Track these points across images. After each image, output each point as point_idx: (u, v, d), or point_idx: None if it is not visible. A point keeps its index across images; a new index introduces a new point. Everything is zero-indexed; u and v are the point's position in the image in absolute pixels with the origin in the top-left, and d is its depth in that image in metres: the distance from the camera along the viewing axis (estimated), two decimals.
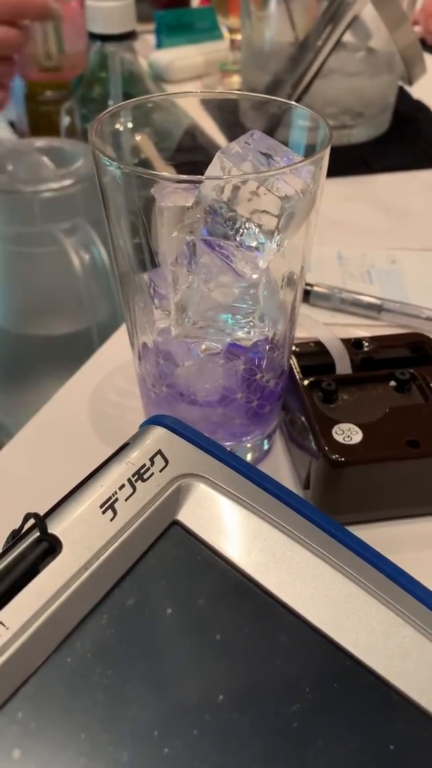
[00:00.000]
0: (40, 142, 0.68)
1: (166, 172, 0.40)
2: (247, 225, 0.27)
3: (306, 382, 0.35)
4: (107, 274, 0.65)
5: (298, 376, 0.36)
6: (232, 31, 0.83)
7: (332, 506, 0.33)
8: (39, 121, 0.98)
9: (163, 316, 0.32)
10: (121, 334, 0.47)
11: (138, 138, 0.66)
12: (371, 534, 0.33)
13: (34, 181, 0.62)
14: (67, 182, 0.62)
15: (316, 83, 0.65)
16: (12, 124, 1.04)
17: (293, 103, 0.32)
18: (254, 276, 0.28)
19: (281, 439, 0.38)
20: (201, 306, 0.29)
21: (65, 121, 0.81)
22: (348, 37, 0.67)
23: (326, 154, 0.28)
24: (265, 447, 0.37)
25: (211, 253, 0.29)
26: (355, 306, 0.47)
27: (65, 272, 0.63)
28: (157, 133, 0.77)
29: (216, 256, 0.29)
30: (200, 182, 0.27)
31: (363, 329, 0.46)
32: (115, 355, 0.45)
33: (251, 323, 0.30)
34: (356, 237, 0.56)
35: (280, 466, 0.37)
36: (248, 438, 0.35)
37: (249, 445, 0.36)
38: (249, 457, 0.36)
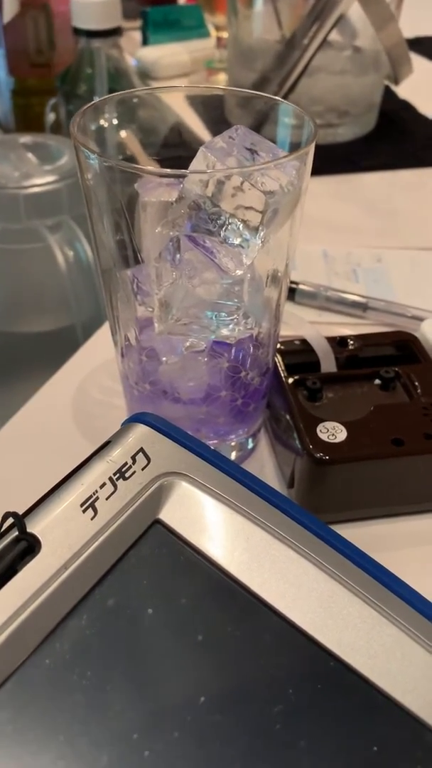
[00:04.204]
0: (25, 138, 0.67)
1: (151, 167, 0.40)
2: (231, 221, 0.27)
3: (291, 381, 0.35)
4: (92, 271, 0.64)
5: (282, 374, 0.35)
6: (218, 28, 0.82)
7: (316, 504, 0.33)
8: (27, 117, 0.97)
9: (146, 314, 0.32)
10: (105, 332, 0.46)
11: (123, 134, 0.66)
12: (356, 532, 0.33)
13: (18, 177, 0.61)
14: (52, 178, 0.61)
15: (303, 81, 0.65)
16: None
17: (279, 99, 0.31)
18: (238, 272, 0.28)
19: (266, 437, 0.38)
20: (185, 302, 0.29)
21: (50, 117, 0.81)
22: (334, 36, 0.67)
23: (311, 150, 0.28)
24: (250, 445, 0.37)
25: (195, 249, 0.28)
26: (340, 304, 0.47)
27: (50, 269, 0.62)
28: (142, 129, 0.77)
29: (200, 251, 0.28)
30: (184, 176, 0.27)
31: (348, 327, 0.46)
32: (99, 352, 0.44)
33: (235, 320, 0.30)
34: (342, 235, 0.56)
35: (265, 465, 0.37)
36: (232, 436, 0.35)
37: (233, 444, 0.35)
38: (233, 456, 0.36)
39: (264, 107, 0.32)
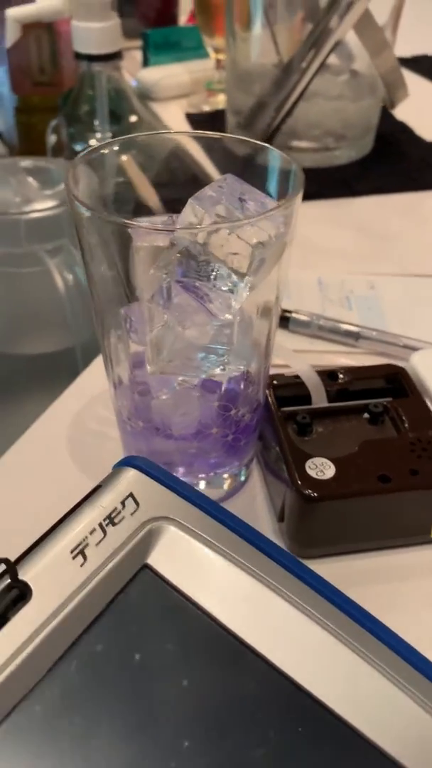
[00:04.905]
0: (26, 162, 0.68)
1: (150, 194, 0.41)
2: (220, 268, 0.28)
3: (281, 415, 0.35)
4: None
5: (273, 408, 0.36)
6: (217, 51, 0.83)
7: (306, 539, 0.33)
8: (30, 134, 0.98)
9: (139, 350, 0.33)
10: (102, 360, 0.47)
11: (123, 159, 0.67)
12: (344, 566, 0.34)
13: (19, 202, 0.62)
14: (52, 203, 0.62)
15: (300, 106, 0.66)
16: (0, 134, 1.04)
17: (266, 145, 0.32)
18: (227, 317, 0.29)
19: (258, 467, 0.39)
20: (175, 345, 0.29)
21: (51, 139, 0.82)
22: (332, 59, 0.68)
23: (298, 199, 0.29)
24: (242, 477, 0.37)
25: (185, 294, 0.29)
26: (333, 333, 0.48)
27: (49, 293, 0.63)
28: (141, 151, 0.78)
29: (190, 296, 0.29)
30: (172, 232, 0.28)
31: (341, 356, 0.47)
32: (96, 381, 0.45)
33: (225, 361, 0.31)
34: (337, 261, 0.57)
35: (257, 496, 0.37)
36: (225, 469, 0.36)
37: (226, 476, 0.36)
38: (226, 487, 0.37)
39: (252, 152, 0.33)
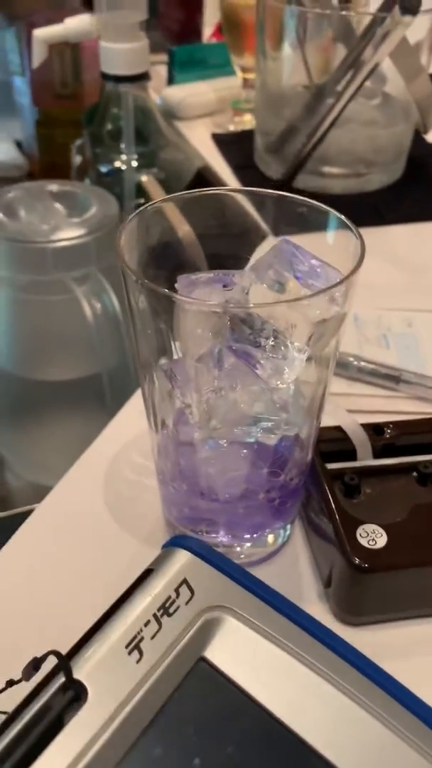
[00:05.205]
0: (53, 186, 0.68)
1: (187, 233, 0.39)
2: (276, 337, 0.27)
3: (328, 474, 0.34)
4: (118, 322, 0.64)
5: (319, 466, 0.35)
6: (244, 70, 0.82)
7: (354, 608, 0.32)
8: (50, 147, 0.98)
9: (182, 406, 0.32)
10: (134, 402, 0.46)
11: (144, 178, 0.66)
12: (395, 633, 0.33)
13: (47, 230, 0.61)
14: (80, 231, 0.61)
15: (332, 132, 0.65)
16: (19, 144, 1.04)
17: (329, 210, 0.30)
18: (281, 385, 0.28)
19: (300, 522, 0.38)
20: (228, 416, 0.28)
21: (77, 159, 0.81)
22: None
23: (359, 271, 0.27)
24: (285, 535, 0.36)
25: (238, 360, 0.28)
26: (372, 375, 0.46)
27: (77, 320, 0.62)
28: (166, 171, 0.77)
29: (243, 363, 0.28)
30: (224, 312, 0.27)
31: (380, 400, 0.46)
32: (129, 425, 0.44)
33: (278, 428, 0.30)
34: (371, 293, 0.55)
35: (299, 556, 0.36)
36: (268, 530, 0.35)
37: (270, 536, 0.35)
38: (268, 546, 0.35)
39: (304, 210, 0.32)
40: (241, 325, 0.28)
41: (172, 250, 0.34)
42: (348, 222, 0.30)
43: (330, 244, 0.31)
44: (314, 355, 0.27)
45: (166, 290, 0.26)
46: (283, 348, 0.27)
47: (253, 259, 0.30)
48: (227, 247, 0.34)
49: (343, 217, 0.30)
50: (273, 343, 0.27)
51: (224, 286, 0.30)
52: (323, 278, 0.27)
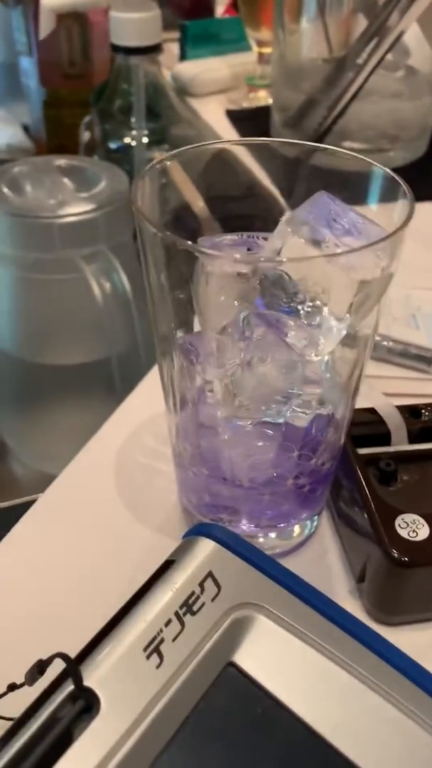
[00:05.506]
0: (60, 161, 0.64)
1: (200, 202, 0.36)
2: (312, 302, 0.24)
3: (362, 459, 0.31)
4: (129, 303, 0.61)
5: (351, 450, 0.32)
6: (261, 44, 0.79)
7: (391, 606, 0.29)
8: (58, 129, 0.95)
9: (203, 384, 0.29)
10: (145, 384, 0.43)
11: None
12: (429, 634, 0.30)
13: (53, 205, 0.58)
14: (89, 207, 0.58)
15: (354, 105, 0.61)
16: (26, 128, 1.01)
17: (371, 162, 0.28)
18: (316, 358, 0.25)
19: (327, 512, 0.35)
20: (256, 392, 0.25)
21: (85, 136, 0.78)
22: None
23: (407, 228, 0.24)
24: (312, 527, 0.33)
25: (268, 329, 0.25)
26: (402, 356, 0.43)
27: (85, 300, 0.59)
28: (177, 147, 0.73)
29: (273, 332, 0.25)
30: (256, 265, 0.23)
31: (411, 382, 0.43)
32: (141, 407, 0.41)
33: (311, 406, 0.27)
34: (397, 273, 0.52)
35: (328, 549, 0.33)
36: (295, 520, 0.32)
37: (296, 527, 0.32)
38: (294, 538, 0.32)
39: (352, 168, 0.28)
40: (271, 288, 0.25)
41: (188, 224, 0.31)
42: (393, 174, 0.26)
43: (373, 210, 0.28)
44: (354, 325, 0.24)
45: (189, 242, 0.23)
46: (322, 316, 0.24)
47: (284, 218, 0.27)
48: (238, 207, 0.31)
49: (388, 170, 0.27)
50: (309, 309, 0.24)
51: (248, 250, 0.27)
52: (365, 235, 0.24)
